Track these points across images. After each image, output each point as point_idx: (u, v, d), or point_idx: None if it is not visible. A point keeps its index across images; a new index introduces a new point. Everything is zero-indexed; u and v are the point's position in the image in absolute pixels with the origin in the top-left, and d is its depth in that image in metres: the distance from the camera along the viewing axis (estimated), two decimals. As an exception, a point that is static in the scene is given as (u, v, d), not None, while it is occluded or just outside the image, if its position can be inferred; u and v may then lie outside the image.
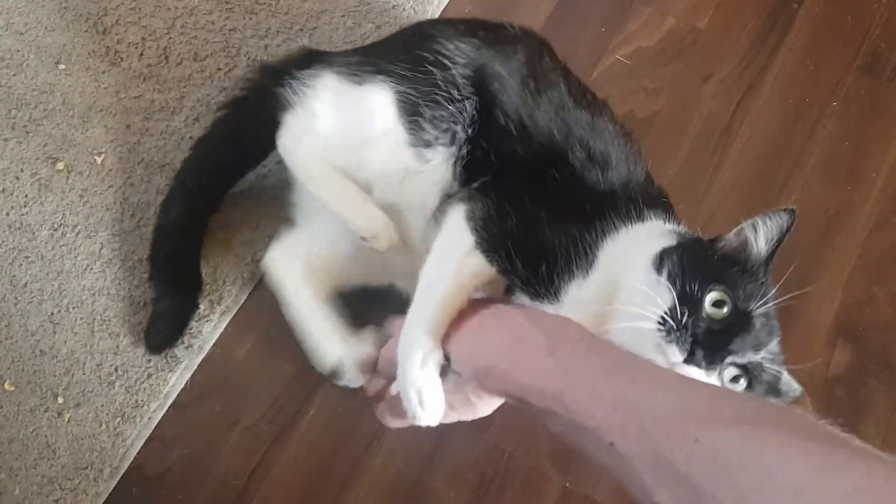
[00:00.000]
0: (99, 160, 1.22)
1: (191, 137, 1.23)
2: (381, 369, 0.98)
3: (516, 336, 0.79)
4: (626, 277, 0.86)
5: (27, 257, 1.17)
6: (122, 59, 1.28)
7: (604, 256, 0.89)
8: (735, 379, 0.83)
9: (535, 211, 0.92)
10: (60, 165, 1.21)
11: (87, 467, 1.08)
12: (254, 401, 1.12)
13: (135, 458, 1.09)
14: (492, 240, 0.90)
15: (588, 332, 0.77)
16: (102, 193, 1.20)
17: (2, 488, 1.07)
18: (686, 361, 0.80)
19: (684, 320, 0.81)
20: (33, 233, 1.18)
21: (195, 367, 1.13)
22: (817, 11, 1.35)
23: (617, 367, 0.71)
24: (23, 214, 1.19)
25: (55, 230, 1.18)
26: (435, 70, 1.00)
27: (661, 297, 0.82)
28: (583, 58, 1.31)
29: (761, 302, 0.85)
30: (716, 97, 1.30)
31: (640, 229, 0.92)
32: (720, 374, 0.82)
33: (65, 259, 1.17)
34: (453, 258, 0.91)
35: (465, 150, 1.01)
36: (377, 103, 1.01)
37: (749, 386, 0.83)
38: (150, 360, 1.12)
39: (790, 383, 0.87)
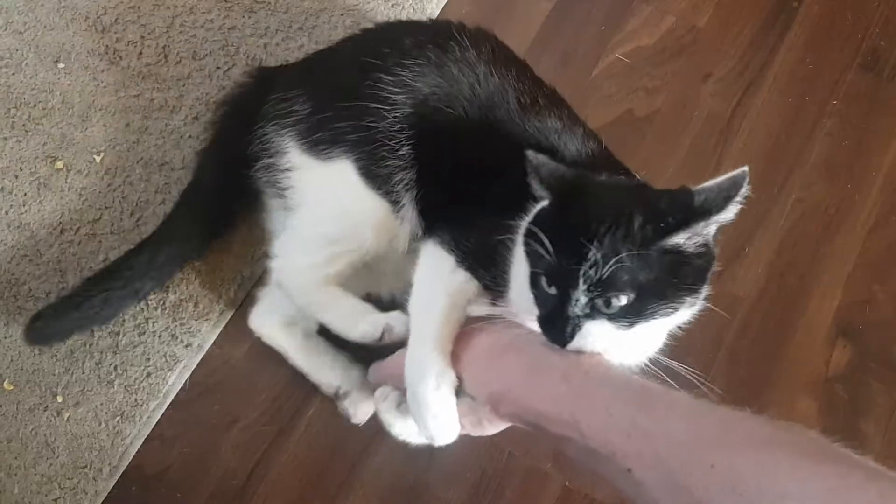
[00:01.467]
0: (98, 159, 1.22)
1: (190, 136, 1.23)
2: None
3: (531, 361, 0.78)
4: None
5: (25, 255, 1.16)
6: (121, 57, 1.28)
7: None
8: (607, 304, 0.75)
9: (487, 219, 0.91)
10: (59, 164, 1.21)
11: (86, 466, 1.08)
12: (253, 400, 1.11)
13: (134, 456, 1.09)
14: (468, 255, 0.91)
15: (602, 358, 0.77)
16: (101, 192, 1.20)
17: (1, 487, 1.07)
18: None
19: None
20: (32, 232, 1.18)
21: (194, 366, 1.13)
22: (817, 10, 1.35)
23: (630, 394, 0.71)
24: (21, 213, 1.19)
25: (54, 229, 1.18)
26: (373, 123, 0.99)
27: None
28: (582, 56, 1.31)
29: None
30: (715, 96, 1.30)
31: None
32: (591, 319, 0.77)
33: (64, 258, 1.17)
34: (439, 279, 0.91)
35: (418, 190, 1.01)
36: (343, 180, 1.01)
37: (629, 291, 0.75)
38: (149, 359, 1.12)
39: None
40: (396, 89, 0.99)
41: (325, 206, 1.03)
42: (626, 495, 0.67)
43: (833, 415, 1.12)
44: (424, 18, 1.32)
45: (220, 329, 1.15)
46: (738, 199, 0.75)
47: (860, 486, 0.53)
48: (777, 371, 1.14)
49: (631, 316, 0.76)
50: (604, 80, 1.30)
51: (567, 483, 1.08)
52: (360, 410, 1.07)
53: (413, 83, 1.00)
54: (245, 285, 1.16)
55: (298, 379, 1.11)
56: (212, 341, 1.14)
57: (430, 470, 1.09)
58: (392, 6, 1.34)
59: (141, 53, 1.28)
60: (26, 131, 1.23)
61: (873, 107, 1.29)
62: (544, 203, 0.83)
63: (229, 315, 1.15)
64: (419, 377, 0.85)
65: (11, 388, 1.11)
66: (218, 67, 1.28)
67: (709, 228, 0.77)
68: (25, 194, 1.20)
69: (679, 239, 0.75)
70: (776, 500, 0.55)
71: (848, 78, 1.32)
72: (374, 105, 0.99)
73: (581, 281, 0.74)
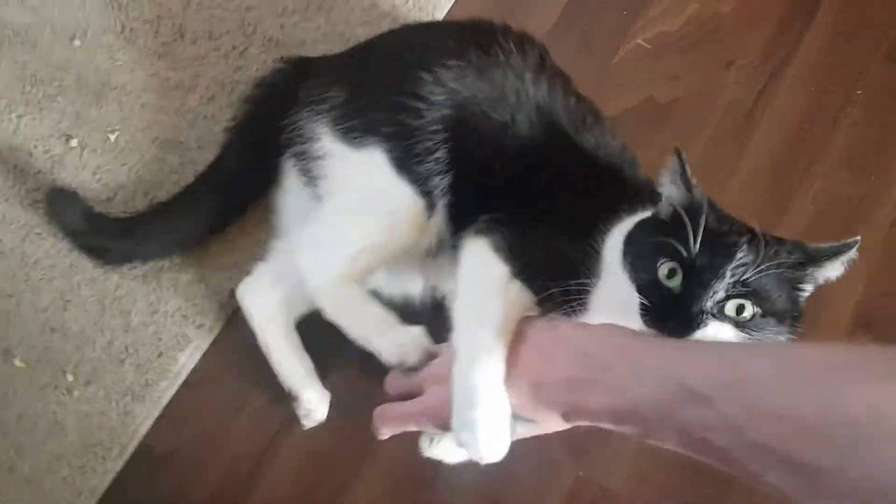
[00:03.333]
0: (112, 138, 1.21)
1: (205, 116, 1.22)
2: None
3: (578, 354, 0.76)
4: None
5: (39, 234, 1.16)
6: (137, 36, 1.27)
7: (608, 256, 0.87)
8: (739, 310, 0.77)
9: (550, 230, 0.91)
10: (74, 143, 1.20)
11: (95, 445, 1.07)
12: (265, 383, 1.10)
13: (144, 437, 1.08)
14: (526, 268, 0.88)
15: (635, 333, 0.75)
16: (115, 171, 1.19)
17: (10, 465, 1.06)
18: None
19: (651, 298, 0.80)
20: (45, 210, 1.17)
21: (206, 347, 1.12)
22: (843, -1, 1.33)
23: (669, 359, 0.69)
24: (35, 190, 1.18)
25: (68, 207, 1.17)
26: (410, 120, 0.98)
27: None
28: (603, 42, 1.29)
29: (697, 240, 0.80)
30: (738, 84, 1.28)
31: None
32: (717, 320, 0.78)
33: (77, 236, 1.16)
34: (493, 290, 0.86)
35: (451, 193, 0.99)
36: (375, 168, 0.99)
37: (760, 304, 0.78)
38: (160, 339, 1.11)
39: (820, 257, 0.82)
40: (436, 88, 0.98)
41: (356, 195, 1.01)
42: (719, 464, 0.64)
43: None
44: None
45: (233, 310, 1.13)
46: (846, 258, 0.80)
47: None
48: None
49: (749, 329, 0.77)
50: (625, 67, 1.28)
51: (581, 473, 1.07)
52: (309, 418, 1.06)
53: (453, 84, 0.99)
54: (258, 267, 1.15)
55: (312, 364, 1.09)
56: (224, 322, 1.13)
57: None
58: (410, -11, 1.32)
59: (157, 32, 1.27)
60: (41, 109, 1.22)
61: (899, 98, 1.27)
62: (645, 214, 0.86)
63: (242, 297, 1.14)
64: (471, 398, 0.80)
65: (22, 365, 1.10)
66: (234, 47, 1.26)
67: (817, 278, 0.82)
68: (39, 171, 1.19)
69: (817, 274, 0.81)
70: (850, 433, 0.54)
71: (873, 68, 1.29)
72: (412, 102, 0.98)
73: (728, 275, 0.75)
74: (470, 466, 1.06)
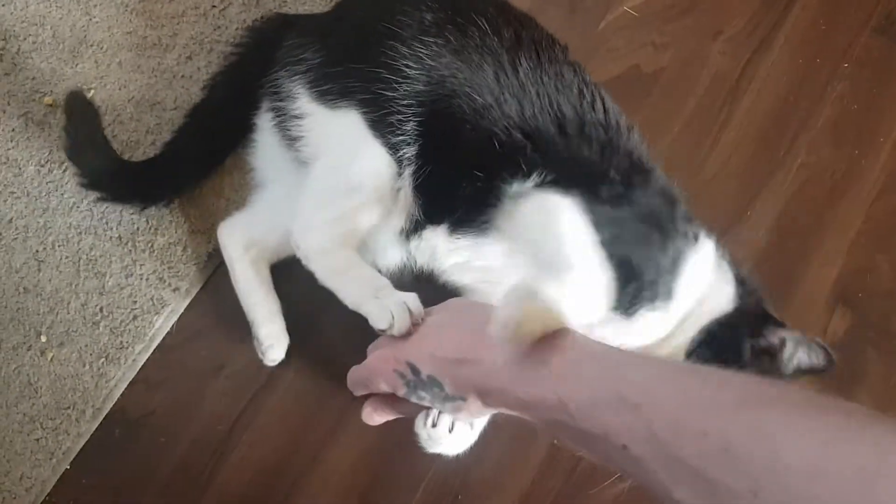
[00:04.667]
0: (88, 96, 1.18)
1: (182, 76, 1.19)
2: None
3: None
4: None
5: (13, 192, 1.14)
6: (114, -8, 1.24)
7: (682, 289, 0.93)
8: None
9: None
10: (49, 100, 1.18)
11: (69, 407, 1.07)
12: (240, 346, 1.09)
13: (118, 399, 1.08)
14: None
15: (576, 334, 0.73)
16: (91, 130, 1.17)
17: (-18, 425, 1.06)
18: None
19: None
20: (19, 168, 1.15)
21: (182, 310, 1.11)
22: (833, -31, 1.31)
23: (612, 366, 0.68)
24: (9, 149, 1.16)
25: (42, 166, 1.15)
26: (383, 90, 0.97)
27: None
28: (590, 7, 1.27)
29: None
30: (725, 54, 1.27)
31: (700, 260, 0.95)
32: None
33: (51, 196, 1.14)
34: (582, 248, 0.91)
35: (415, 171, 0.98)
36: (351, 128, 0.98)
37: None
38: (135, 302, 1.10)
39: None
40: (411, 63, 0.97)
41: (335, 155, 1.00)
42: (628, 474, 0.64)
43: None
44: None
45: (209, 274, 1.12)
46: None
47: (855, 436, 0.52)
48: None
49: None
50: (611, 34, 1.26)
51: (555, 441, 1.07)
52: (269, 354, 1.06)
53: (430, 62, 0.97)
54: (235, 230, 1.14)
55: (287, 326, 1.08)
56: (200, 286, 1.12)
57: (418, 423, 1.07)
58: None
59: (135, -11, 1.24)
60: (15, 65, 1.19)
61: (885, 71, 1.26)
62: None
63: (218, 260, 1.12)
64: None
65: (-5, 326, 1.09)
66: (214, 6, 1.24)
67: None
68: (13, 129, 1.16)
69: None
70: (771, 459, 0.53)
71: (861, 41, 1.28)
72: (386, 74, 0.97)
73: None
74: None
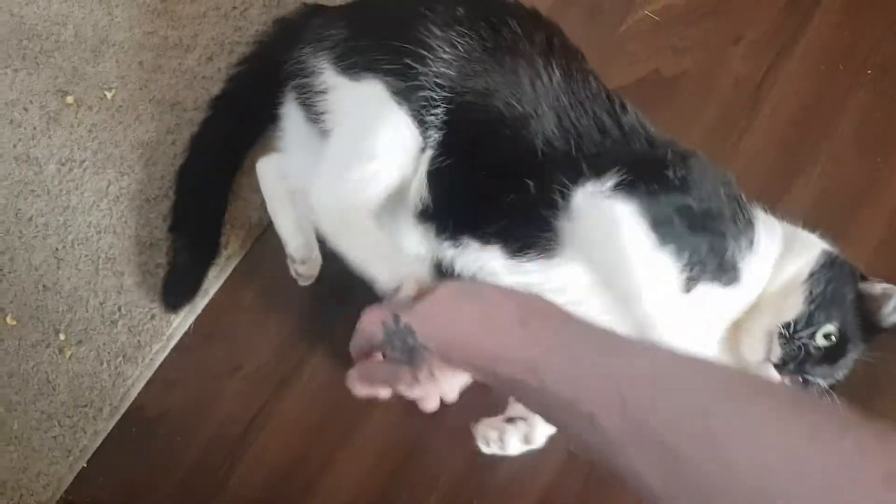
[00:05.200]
0: (109, 95, 1.19)
1: (203, 77, 1.20)
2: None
3: (486, 307, 0.73)
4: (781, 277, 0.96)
5: (33, 191, 1.15)
6: (136, -8, 1.24)
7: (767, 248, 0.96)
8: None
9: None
10: (70, 99, 1.19)
11: (86, 405, 1.07)
12: (257, 348, 1.10)
13: (135, 398, 1.08)
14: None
15: (563, 309, 0.72)
16: (111, 130, 1.18)
17: (0, 421, 1.06)
18: (777, 366, 0.93)
19: (802, 335, 0.92)
20: (40, 166, 1.16)
21: (199, 310, 1.12)
22: (857, -25, 1.30)
23: (594, 338, 0.67)
24: (30, 147, 1.16)
25: (62, 165, 1.16)
26: (413, 63, 0.97)
27: (796, 303, 0.94)
28: (610, 11, 1.26)
29: (856, 351, 0.96)
30: (746, 59, 1.26)
31: (774, 225, 0.99)
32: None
33: (71, 194, 1.15)
34: (641, 254, 0.91)
35: (433, 157, 0.98)
36: (374, 97, 0.98)
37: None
38: (153, 301, 1.11)
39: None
40: (445, 47, 0.97)
41: (356, 122, 1.00)
42: (591, 453, 0.63)
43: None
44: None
45: (227, 274, 1.13)
46: None
47: (837, 435, 0.52)
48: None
49: None
50: (631, 38, 1.25)
51: (571, 448, 1.07)
52: (302, 277, 1.10)
53: (464, 53, 0.97)
54: (253, 231, 1.14)
55: (303, 329, 1.09)
56: (218, 286, 1.12)
57: (433, 428, 1.07)
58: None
59: (157, -11, 1.25)
60: (37, 64, 1.20)
61: (909, 79, 1.25)
62: None
63: (237, 261, 1.13)
64: None
65: (14, 323, 1.10)
66: (234, 7, 1.24)
67: None
68: (34, 128, 1.17)
69: None
70: (751, 448, 0.53)
71: (884, 48, 1.27)
72: (417, 48, 0.96)
73: None
74: (459, 440, 1.06)
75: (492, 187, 0.97)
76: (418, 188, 1.00)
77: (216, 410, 1.08)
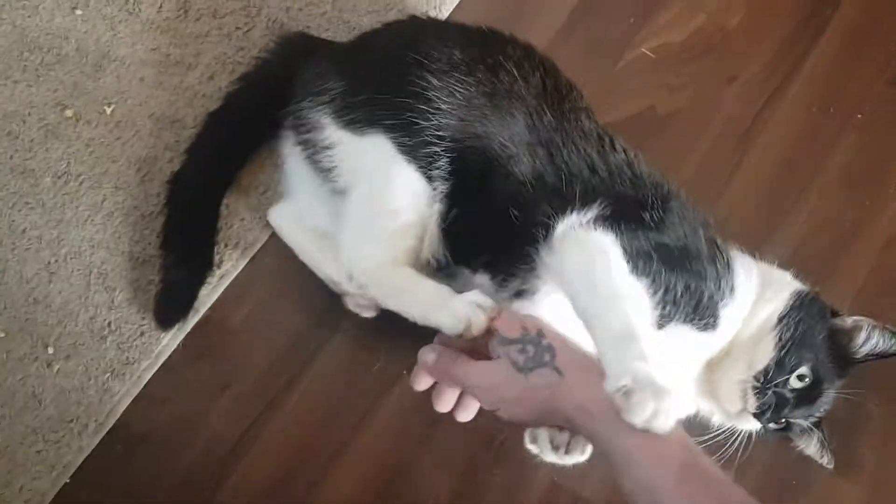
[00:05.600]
0: (108, 111, 1.20)
1: (203, 95, 1.21)
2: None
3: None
4: (753, 322, 0.97)
5: (28, 203, 1.15)
6: (140, 9, 1.25)
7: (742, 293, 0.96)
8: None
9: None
10: (69, 113, 1.19)
11: (72, 420, 1.07)
12: (246, 367, 1.10)
13: (121, 415, 1.08)
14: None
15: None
16: (109, 145, 1.18)
17: (-16, 435, 1.06)
18: (755, 415, 0.96)
19: (776, 382, 0.94)
20: (36, 179, 1.16)
21: (189, 328, 1.11)
22: (850, 20, 1.32)
23: None
24: (27, 159, 1.16)
25: (58, 178, 1.16)
26: (414, 118, 0.98)
27: (767, 349, 0.95)
28: (608, 47, 1.28)
29: (833, 387, 0.98)
30: (739, 99, 1.28)
31: (750, 267, 1.00)
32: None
33: (66, 208, 1.15)
34: (615, 277, 0.88)
35: (444, 211, 1.00)
36: (382, 152, 0.99)
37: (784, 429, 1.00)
38: (143, 318, 1.11)
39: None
40: (443, 97, 0.98)
41: (370, 180, 1.00)
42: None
43: (830, 432, 1.11)
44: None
45: (219, 293, 1.13)
46: None
47: None
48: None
49: None
50: (628, 74, 1.27)
51: (555, 478, 1.07)
52: (365, 309, 1.06)
53: (463, 100, 0.99)
54: (247, 251, 1.15)
55: (293, 350, 1.09)
56: (209, 304, 1.12)
57: (421, 452, 1.08)
58: (417, -21, 1.31)
59: (161, 7, 1.25)
60: (38, 76, 1.21)
61: (899, 124, 1.27)
62: None
63: (229, 279, 1.13)
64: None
65: (3, 335, 1.09)
66: (238, 28, 1.25)
67: None
68: (32, 140, 1.17)
69: None
70: None
71: (875, 93, 1.29)
72: (416, 103, 0.98)
73: None
74: (447, 464, 1.07)
75: (485, 219, 0.99)
76: (431, 242, 1.01)
77: (203, 430, 1.08)
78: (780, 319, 0.96)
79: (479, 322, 0.86)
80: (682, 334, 0.93)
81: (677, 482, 0.71)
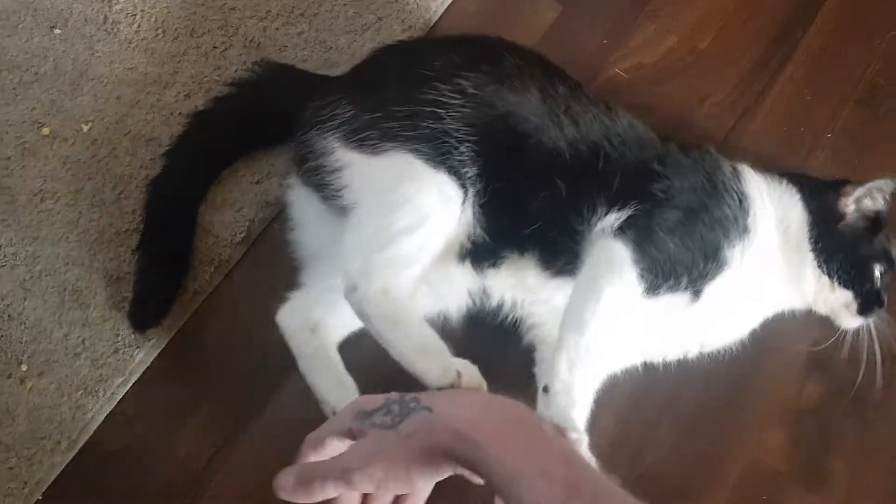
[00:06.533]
0: (86, 129, 1.21)
1: (180, 113, 1.22)
2: None
3: (535, 438, 0.73)
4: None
5: (4, 220, 1.15)
6: (118, 28, 1.26)
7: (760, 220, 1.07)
8: None
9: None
10: (46, 131, 1.20)
11: (45, 437, 1.07)
12: (220, 385, 1.10)
13: (94, 432, 1.08)
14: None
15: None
16: (86, 163, 1.19)
17: (-44, 452, 1.06)
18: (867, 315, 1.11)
19: (866, 291, 1.11)
20: (12, 196, 1.17)
21: (163, 346, 1.12)
22: (820, 42, 1.34)
23: None
24: (4, 176, 1.17)
25: (35, 195, 1.17)
26: (430, 124, 1.00)
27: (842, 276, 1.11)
28: (582, 68, 1.28)
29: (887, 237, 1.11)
30: (711, 118, 1.29)
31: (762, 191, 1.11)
32: None
33: (42, 225, 1.15)
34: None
35: (479, 190, 1.02)
36: (403, 167, 1.00)
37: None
38: (117, 335, 1.11)
39: None
40: (455, 95, 1.01)
41: (387, 196, 0.99)
42: None
43: (800, 448, 1.12)
44: (430, 14, 1.31)
45: (192, 311, 1.13)
46: None
47: None
48: (750, 398, 1.14)
49: None
50: (602, 94, 1.26)
51: None
52: None
53: (475, 91, 1.02)
54: (222, 268, 1.15)
55: (266, 368, 1.09)
56: (183, 321, 1.13)
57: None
58: (396, 0, 1.32)
59: (139, 26, 1.27)
60: (15, 95, 1.22)
61: (867, 143, 1.28)
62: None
63: (202, 298, 1.14)
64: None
65: (-24, 352, 1.10)
66: (215, 47, 1.27)
67: None
68: (9, 158, 1.18)
69: None
70: None
71: (844, 113, 1.31)
72: (431, 109, 1.00)
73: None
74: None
75: (527, 191, 1.02)
76: (466, 230, 1.03)
77: (176, 447, 1.08)
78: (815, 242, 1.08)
79: (469, 373, 0.91)
80: (714, 290, 1.02)
81: (566, 499, 0.66)
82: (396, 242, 0.97)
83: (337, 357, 1.06)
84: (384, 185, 1.00)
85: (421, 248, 0.98)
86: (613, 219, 0.99)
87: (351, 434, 0.76)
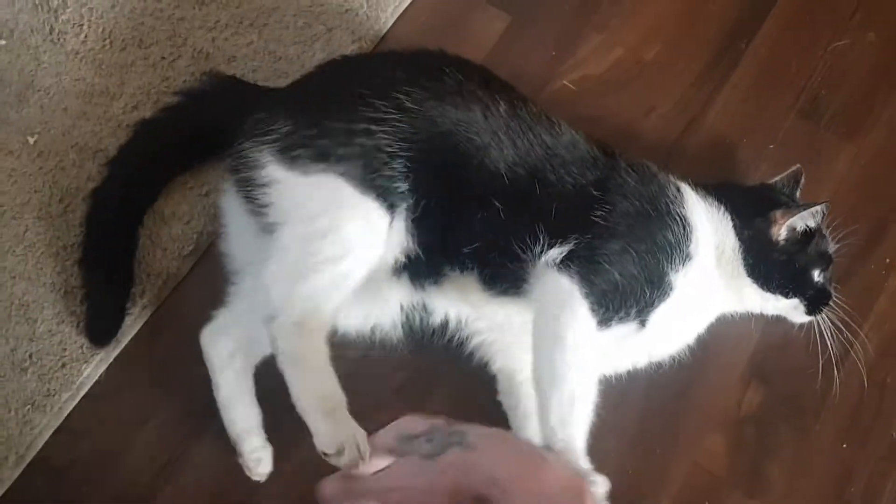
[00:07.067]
0: (31, 141, 1.20)
1: (128, 125, 1.21)
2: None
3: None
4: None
5: (-52, 234, 1.14)
6: (65, 39, 1.26)
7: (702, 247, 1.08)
8: None
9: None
10: (-10, 144, 1.19)
11: (-9, 454, 1.07)
12: (168, 399, 1.11)
13: (42, 447, 1.08)
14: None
15: None
16: (32, 175, 1.18)
17: None
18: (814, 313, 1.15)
19: (809, 295, 1.14)
20: (-43, 210, 1.16)
21: (111, 359, 1.12)
22: (763, 53, 1.37)
23: None
24: (-52, 190, 1.16)
25: (-21, 209, 1.16)
26: (363, 140, 1.00)
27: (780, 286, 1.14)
28: (530, 79, 1.30)
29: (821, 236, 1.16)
30: (657, 130, 1.31)
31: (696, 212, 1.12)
32: None
33: (-13, 239, 1.15)
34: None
35: (411, 206, 1.02)
36: (330, 191, 1.00)
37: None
38: (65, 349, 1.11)
39: None
40: (391, 110, 1.01)
41: (315, 222, 0.99)
42: None
43: (740, 454, 1.15)
44: (379, 25, 1.32)
45: (141, 324, 1.14)
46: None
47: None
48: (692, 405, 1.17)
49: None
50: (549, 106, 1.27)
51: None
52: (256, 469, 1.04)
53: (414, 106, 1.02)
54: (170, 282, 1.15)
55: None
56: (131, 336, 1.13)
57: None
58: (346, 10, 1.33)
59: (86, 37, 1.26)
60: (-41, 106, 1.20)
61: (808, 154, 1.31)
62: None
63: (151, 311, 1.14)
64: None
65: (-79, 368, 1.09)
66: (163, 57, 1.26)
67: None
68: (-48, 171, 1.17)
69: None
70: None
71: (787, 123, 1.34)
72: (364, 126, 1.00)
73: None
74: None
75: (464, 210, 1.02)
76: (399, 246, 1.03)
77: (124, 462, 1.08)
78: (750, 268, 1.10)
79: (350, 455, 0.84)
80: (662, 315, 1.04)
81: None
82: (318, 273, 0.97)
83: (251, 386, 1.06)
84: (310, 209, 0.99)
85: (345, 277, 0.98)
86: (556, 252, 1.00)
87: (393, 453, 0.77)
